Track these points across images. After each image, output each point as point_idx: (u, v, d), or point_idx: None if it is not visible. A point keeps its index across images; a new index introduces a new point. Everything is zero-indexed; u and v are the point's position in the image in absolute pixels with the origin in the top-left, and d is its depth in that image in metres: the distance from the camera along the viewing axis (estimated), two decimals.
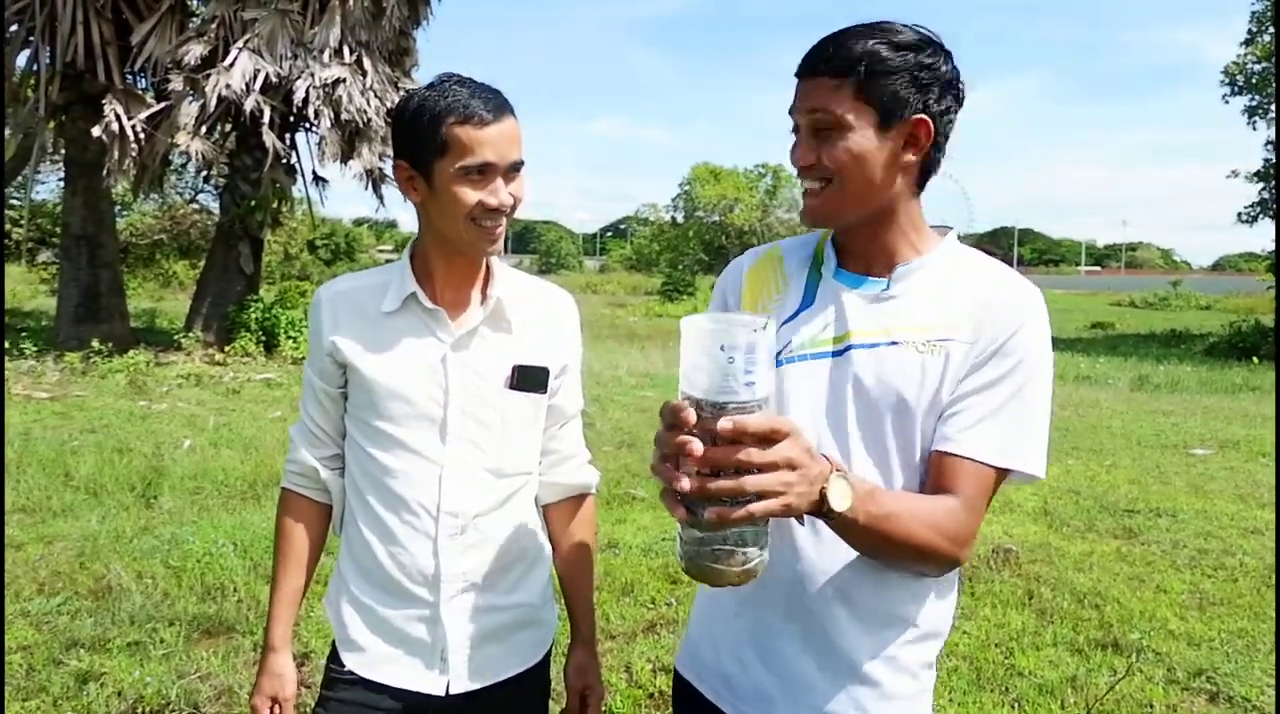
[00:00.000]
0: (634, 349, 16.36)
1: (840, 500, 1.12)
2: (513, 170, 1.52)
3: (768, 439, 1.02)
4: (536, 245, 79.50)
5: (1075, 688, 3.51)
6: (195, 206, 23.97)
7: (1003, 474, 1.27)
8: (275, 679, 1.66)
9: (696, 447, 1.00)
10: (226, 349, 12.80)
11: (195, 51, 11.91)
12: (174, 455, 6.90)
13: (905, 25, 1.28)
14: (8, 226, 24.99)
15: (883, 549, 1.24)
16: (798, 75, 1.29)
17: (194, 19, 12.96)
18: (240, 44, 12.00)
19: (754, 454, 1.01)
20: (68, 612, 3.97)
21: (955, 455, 1.26)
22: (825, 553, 1.30)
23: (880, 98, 1.24)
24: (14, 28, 12.21)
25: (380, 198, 14.55)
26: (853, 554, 1.28)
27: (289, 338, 13.15)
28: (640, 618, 4.11)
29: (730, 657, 1.41)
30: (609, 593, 4.38)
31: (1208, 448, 8.29)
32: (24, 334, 11.94)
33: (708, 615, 1.48)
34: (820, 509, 1.11)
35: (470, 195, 1.49)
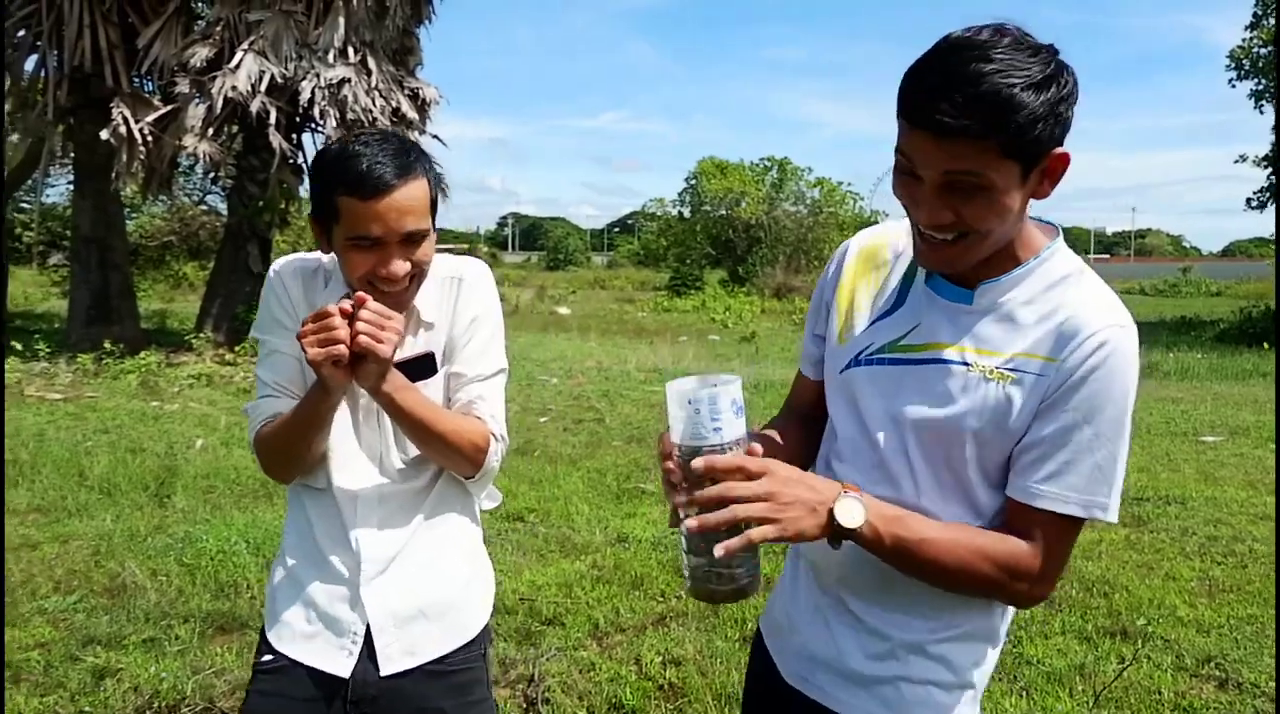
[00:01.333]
0: (643, 344, 16.38)
1: (849, 518, 1.20)
2: (409, 241, 1.51)
3: (746, 476, 1.16)
4: (544, 242, 79.48)
5: (1083, 676, 3.53)
6: (204, 208, 24.05)
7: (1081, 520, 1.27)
8: None
9: (674, 470, 1.20)
10: (236, 349, 12.85)
11: (201, 54, 11.94)
12: (186, 455, 6.95)
13: (1015, 40, 1.14)
14: (19, 230, 25.14)
15: (926, 573, 1.28)
16: (921, 127, 1.14)
17: (199, 22, 13.01)
18: (245, 46, 12.03)
19: (735, 487, 1.15)
20: (84, 609, 4.02)
21: (1033, 508, 1.25)
22: None
23: (1025, 152, 1.14)
24: (21, 33, 12.26)
25: None
26: None
27: None
28: (650, 611, 4.13)
29: (792, 617, 1.49)
30: (619, 586, 4.41)
31: (1218, 435, 8.27)
32: (36, 336, 12.01)
33: (786, 579, 1.56)
34: (834, 529, 1.20)
35: (360, 264, 1.50)
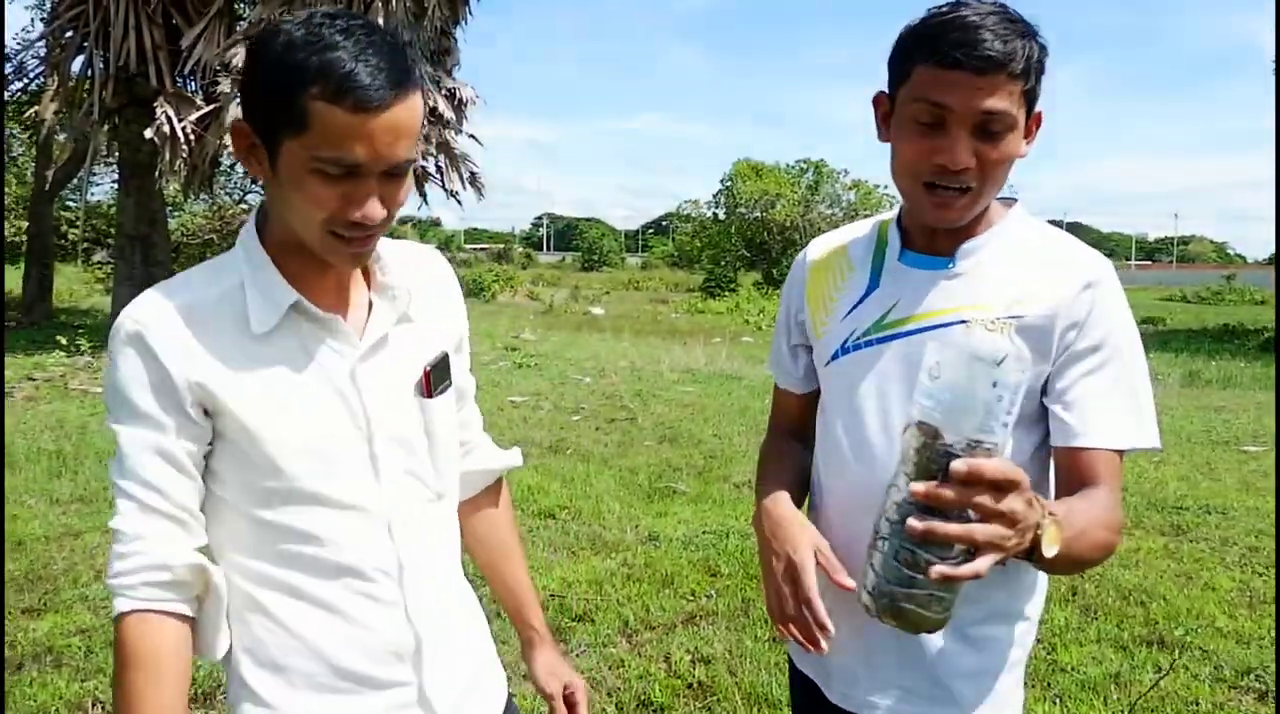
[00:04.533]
0: (676, 345, 16.38)
1: (1051, 547, 1.10)
2: (392, 175, 1.11)
3: (1000, 488, 0.99)
4: (579, 243, 79.72)
5: (1119, 684, 3.48)
6: (243, 206, 24.41)
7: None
8: None
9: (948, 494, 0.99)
10: None
11: (242, 54, 12.08)
12: None
13: (1002, 5, 1.23)
14: (64, 227, 25.65)
15: (1071, 566, 1.24)
16: (959, 67, 1.17)
17: (241, 22, 13.20)
18: None
19: (987, 502, 0.99)
20: None
21: (1090, 449, 1.28)
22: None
23: (1032, 99, 1.24)
24: (69, 33, 12.52)
25: (423, 196, 14.73)
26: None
27: None
28: (680, 609, 4.14)
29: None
30: (649, 584, 4.41)
31: (1260, 444, 8.11)
32: (80, 331, 12.25)
33: None
34: (1029, 555, 1.10)
35: (324, 197, 1.08)
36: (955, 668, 1.34)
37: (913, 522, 0.99)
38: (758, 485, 1.50)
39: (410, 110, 1.08)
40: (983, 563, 1.01)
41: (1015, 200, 1.40)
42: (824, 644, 1.27)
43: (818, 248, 1.52)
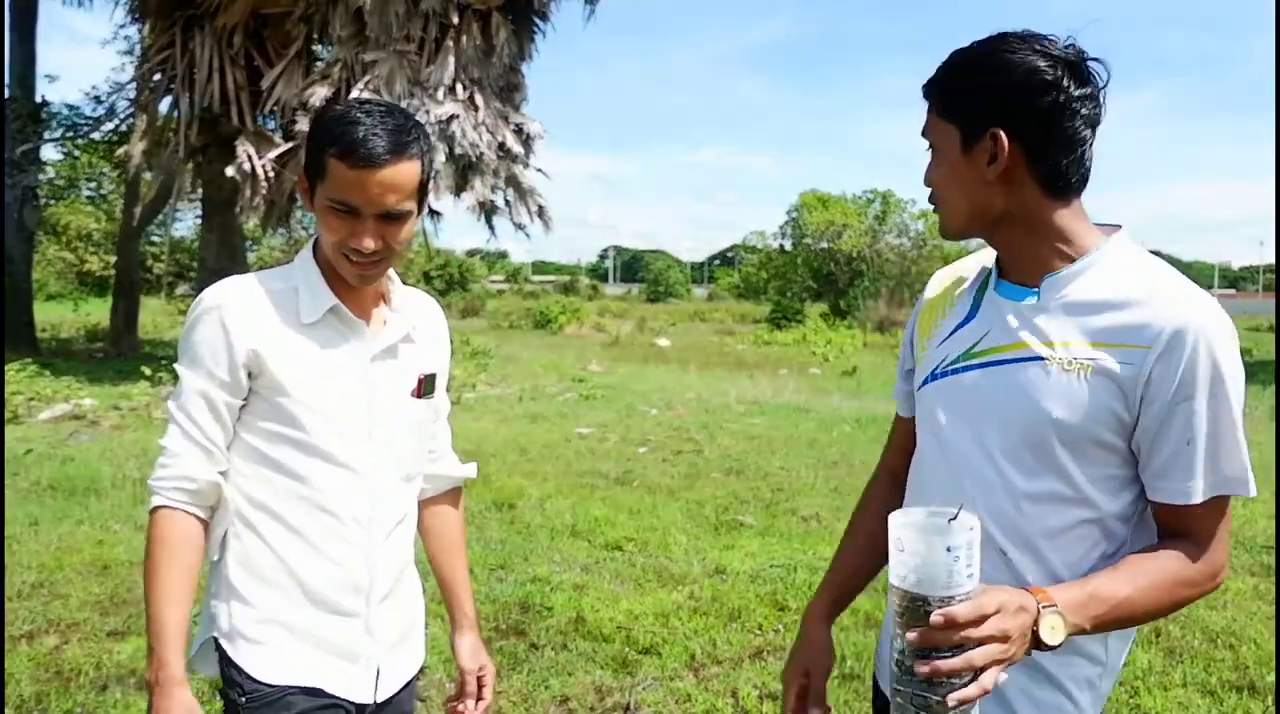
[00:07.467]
0: (743, 377, 16.31)
1: (1053, 635, 1.16)
2: (387, 219, 1.49)
3: (983, 620, 1.09)
4: (645, 274, 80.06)
5: None
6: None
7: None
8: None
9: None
10: None
11: (320, 93, 12.51)
12: None
13: (1012, 36, 1.27)
14: (149, 262, 26.66)
15: (1133, 624, 1.30)
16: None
17: (318, 63, 13.64)
18: (361, 85, 12.55)
19: (972, 633, 1.09)
20: None
21: (1184, 506, 1.27)
22: (1004, 575, 1.31)
23: (959, 116, 1.29)
24: (157, 76, 13.09)
25: (492, 229, 14.94)
26: (1031, 577, 1.30)
27: None
28: (747, 644, 4.09)
29: None
30: (716, 618, 4.37)
31: None
32: (164, 362, 12.65)
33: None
34: (1039, 646, 1.16)
35: (335, 228, 1.49)
36: (1033, 704, 1.33)
37: (918, 666, 1.10)
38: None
39: (401, 172, 1.46)
40: (988, 678, 1.10)
41: (1119, 227, 1.35)
42: None
43: (939, 278, 1.56)
